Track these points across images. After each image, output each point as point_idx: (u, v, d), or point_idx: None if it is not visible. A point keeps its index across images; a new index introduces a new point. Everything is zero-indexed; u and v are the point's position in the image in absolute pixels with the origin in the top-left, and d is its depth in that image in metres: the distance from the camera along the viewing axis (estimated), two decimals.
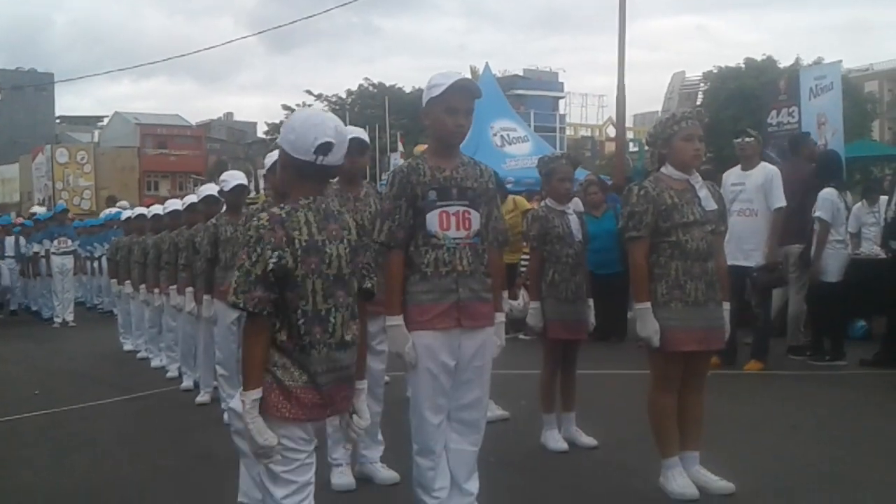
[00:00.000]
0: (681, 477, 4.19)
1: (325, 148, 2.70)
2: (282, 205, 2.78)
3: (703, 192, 4.23)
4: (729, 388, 6.52)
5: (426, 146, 4.02)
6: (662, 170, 4.27)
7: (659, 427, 4.26)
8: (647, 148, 4.57)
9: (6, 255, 14.85)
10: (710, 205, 4.23)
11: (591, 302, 5.25)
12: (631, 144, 27.66)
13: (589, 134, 52.61)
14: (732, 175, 7.56)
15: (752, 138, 7.46)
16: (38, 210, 18.38)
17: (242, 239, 2.80)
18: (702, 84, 39.40)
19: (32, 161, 55.28)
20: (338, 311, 2.75)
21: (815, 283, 7.67)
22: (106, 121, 67.64)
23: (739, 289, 6.81)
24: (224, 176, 6.48)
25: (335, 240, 2.77)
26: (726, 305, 4.26)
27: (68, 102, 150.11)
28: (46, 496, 4.78)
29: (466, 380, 3.66)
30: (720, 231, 4.34)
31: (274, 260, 2.64)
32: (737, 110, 30.21)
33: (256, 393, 2.66)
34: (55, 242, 13.69)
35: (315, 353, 2.71)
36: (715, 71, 37.11)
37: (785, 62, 34.92)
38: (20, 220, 17.88)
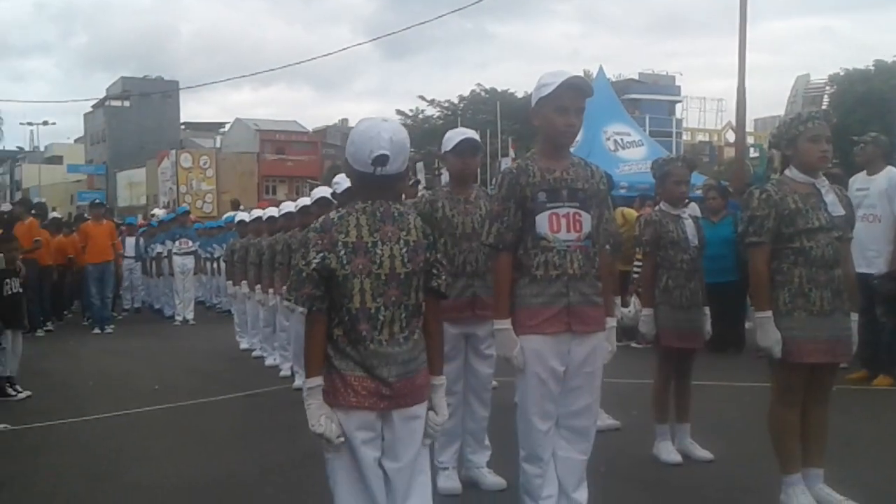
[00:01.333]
0: (803, 495, 3.98)
1: (381, 160, 2.81)
2: (339, 209, 2.96)
3: (830, 197, 4.01)
4: (856, 402, 6.21)
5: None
6: (786, 172, 4.07)
7: (780, 442, 4.06)
8: (768, 152, 4.37)
9: (126, 255, 15.41)
10: (838, 210, 4.00)
11: (706, 310, 5.06)
12: (751, 150, 26.78)
13: (707, 139, 51.19)
14: (858, 180, 7.27)
15: (867, 143, 7.13)
16: (158, 213, 19.05)
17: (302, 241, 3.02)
18: (827, 87, 37.79)
19: (158, 166, 57.64)
20: (387, 309, 2.84)
21: None
22: (227, 127, 70.01)
23: (866, 297, 6.48)
24: (337, 178, 6.54)
25: (389, 241, 2.86)
26: (854, 316, 4.03)
27: (192, 109, 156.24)
28: (161, 488, 4.91)
29: (576, 386, 3.57)
30: (848, 238, 4.10)
31: (317, 260, 2.81)
32: (865, 114, 28.84)
33: (313, 381, 2.82)
34: (177, 243, 14.20)
35: (362, 348, 2.82)
36: (842, 73, 35.57)
37: None
38: (143, 222, 18.60)
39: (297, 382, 7.82)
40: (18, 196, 42.41)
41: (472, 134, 4.60)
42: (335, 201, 6.54)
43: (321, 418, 2.77)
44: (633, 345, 8.73)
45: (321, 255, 2.82)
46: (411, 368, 2.88)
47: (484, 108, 45.96)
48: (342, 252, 2.81)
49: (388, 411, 2.85)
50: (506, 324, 3.54)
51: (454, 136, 4.53)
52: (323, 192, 7.10)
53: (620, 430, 5.69)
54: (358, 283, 2.81)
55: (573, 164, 3.59)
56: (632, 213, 9.79)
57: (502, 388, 5.53)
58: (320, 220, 2.92)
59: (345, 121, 72.11)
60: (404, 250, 2.86)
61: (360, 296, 2.82)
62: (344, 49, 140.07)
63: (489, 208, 3.82)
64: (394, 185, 2.98)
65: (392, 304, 2.85)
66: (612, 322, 3.72)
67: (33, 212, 13.61)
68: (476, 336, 4.51)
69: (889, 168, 7.13)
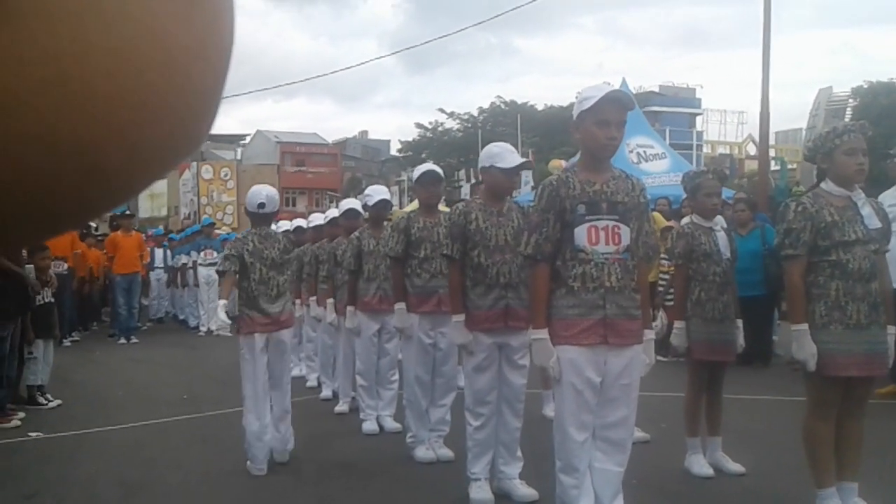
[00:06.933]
0: None
1: (261, 206, 5.44)
2: (245, 231, 5.60)
3: (867, 210, 4.00)
4: (890, 416, 6.15)
5: (560, 161, 3.98)
6: (822, 185, 4.08)
7: (815, 455, 4.04)
8: (789, 167, 4.38)
9: (155, 266, 15.51)
10: (874, 223, 3.99)
11: (739, 323, 5.06)
12: (773, 163, 26.66)
13: (727, 151, 50.86)
14: (888, 196, 7.22)
15: None
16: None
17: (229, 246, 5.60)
18: (850, 100, 37.67)
19: (179, 177, 57.99)
20: (271, 281, 5.33)
21: None
22: (248, 139, 70.36)
23: None
24: (368, 191, 6.62)
25: (270, 248, 5.39)
26: (891, 329, 4.01)
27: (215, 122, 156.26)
28: (194, 498, 4.95)
29: (612, 398, 3.58)
30: (884, 250, 4.10)
31: (233, 256, 5.33)
32: (889, 127, 28.71)
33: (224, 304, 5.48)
34: (202, 254, 14.28)
35: (259, 300, 5.29)
36: (865, 86, 35.47)
37: None
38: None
39: (325, 393, 7.87)
40: None
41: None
42: (364, 213, 6.61)
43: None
44: (660, 358, 8.69)
45: (235, 255, 5.31)
46: (280, 311, 5.34)
47: (504, 120, 46.06)
48: (246, 253, 5.31)
49: (268, 333, 5.29)
50: (543, 333, 3.57)
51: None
52: (351, 203, 7.17)
53: (650, 442, 5.68)
54: (257, 268, 5.31)
55: (614, 176, 3.62)
56: (661, 218, 9.68)
57: (529, 400, 5.54)
58: (239, 235, 5.62)
59: (364, 133, 72.50)
60: (276, 253, 5.39)
61: (259, 273, 5.31)
62: (365, 62, 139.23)
63: (528, 219, 3.85)
64: (269, 219, 5.57)
65: (271, 278, 5.33)
66: (649, 334, 3.73)
67: None
68: (509, 346, 4.53)
69: None
